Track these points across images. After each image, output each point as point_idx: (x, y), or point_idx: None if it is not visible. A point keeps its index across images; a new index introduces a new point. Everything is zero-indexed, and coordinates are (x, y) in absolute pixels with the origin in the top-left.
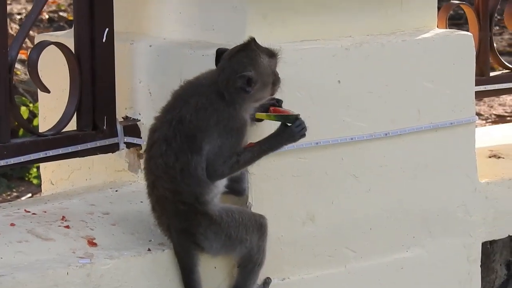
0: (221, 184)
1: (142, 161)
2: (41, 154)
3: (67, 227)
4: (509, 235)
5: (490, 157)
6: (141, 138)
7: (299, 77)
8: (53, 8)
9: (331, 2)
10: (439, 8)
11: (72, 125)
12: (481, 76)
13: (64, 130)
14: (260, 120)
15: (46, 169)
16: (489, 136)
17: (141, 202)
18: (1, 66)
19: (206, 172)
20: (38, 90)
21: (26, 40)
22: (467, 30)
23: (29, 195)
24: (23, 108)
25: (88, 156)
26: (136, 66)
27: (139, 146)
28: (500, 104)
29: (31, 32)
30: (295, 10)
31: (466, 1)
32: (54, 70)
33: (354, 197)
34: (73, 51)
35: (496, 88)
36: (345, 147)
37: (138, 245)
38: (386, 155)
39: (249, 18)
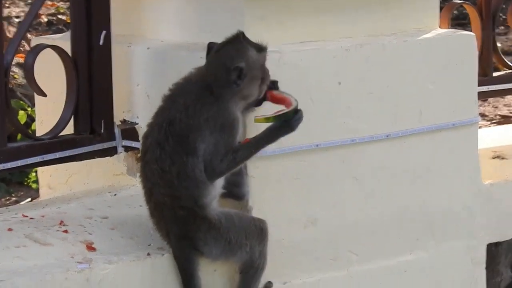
0: (219, 185)
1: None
2: (38, 158)
3: (66, 231)
4: None
5: (493, 158)
6: (139, 141)
7: (299, 78)
8: (52, 11)
9: (331, 3)
10: (441, 8)
11: (69, 129)
12: (484, 76)
13: (61, 134)
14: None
15: (44, 173)
16: (492, 137)
17: (140, 206)
18: None
19: (205, 173)
20: (35, 93)
21: (25, 43)
22: (472, 30)
23: (29, 199)
24: (21, 112)
25: (86, 160)
26: (134, 69)
27: (137, 149)
28: (505, 105)
29: (29, 36)
30: (294, 11)
31: (469, 1)
32: (51, 73)
33: (355, 200)
34: (69, 54)
35: (500, 88)
36: (346, 149)
37: (137, 250)
38: (388, 157)
39: (247, 20)
